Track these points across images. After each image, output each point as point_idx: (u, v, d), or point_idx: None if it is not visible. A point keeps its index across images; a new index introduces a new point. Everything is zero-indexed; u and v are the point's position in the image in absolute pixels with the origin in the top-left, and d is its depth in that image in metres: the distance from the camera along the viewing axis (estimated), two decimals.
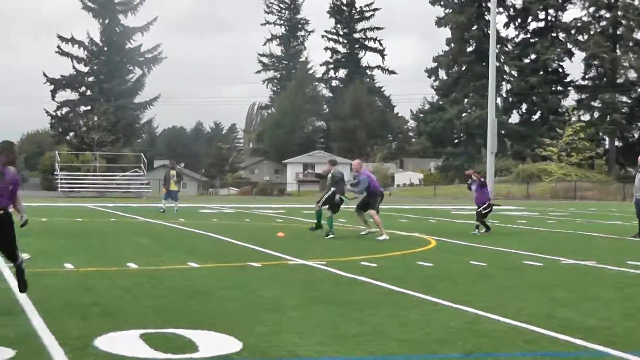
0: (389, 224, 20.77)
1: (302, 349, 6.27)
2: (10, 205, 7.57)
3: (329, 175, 17.96)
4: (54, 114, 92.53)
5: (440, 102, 79.32)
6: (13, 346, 6.22)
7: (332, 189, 17.70)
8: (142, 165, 64.42)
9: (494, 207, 20.64)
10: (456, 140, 79.70)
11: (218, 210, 36.24)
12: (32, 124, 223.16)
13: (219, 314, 8.10)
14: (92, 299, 8.98)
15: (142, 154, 66.49)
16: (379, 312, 8.20)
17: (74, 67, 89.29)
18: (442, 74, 79.12)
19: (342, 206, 18.21)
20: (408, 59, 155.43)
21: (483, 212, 19.71)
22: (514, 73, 75.68)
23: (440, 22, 77.04)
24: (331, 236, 17.66)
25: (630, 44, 69.92)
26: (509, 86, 75.79)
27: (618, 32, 69.43)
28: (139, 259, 13.44)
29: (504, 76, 74.88)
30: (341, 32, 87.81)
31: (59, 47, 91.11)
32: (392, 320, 7.70)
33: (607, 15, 70.13)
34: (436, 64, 78.79)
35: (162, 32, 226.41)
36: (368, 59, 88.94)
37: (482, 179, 20.77)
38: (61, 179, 59.15)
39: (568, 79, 74.93)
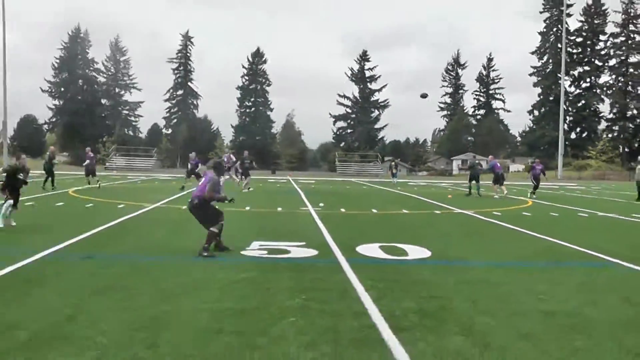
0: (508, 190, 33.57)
1: (471, 256, 12.29)
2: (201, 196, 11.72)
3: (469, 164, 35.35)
4: None
5: (534, 127, 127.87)
6: (317, 248, 12.72)
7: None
8: None
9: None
10: (541, 147, 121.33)
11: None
12: None
13: (418, 235, 14.93)
14: (355, 225, 16.31)
15: None
16: (502, 240, 14.75)
17: None
18: (535, 112, 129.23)
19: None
20: (519, 104, 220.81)
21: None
22: (573, 110, 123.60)
23: (535, 84, 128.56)
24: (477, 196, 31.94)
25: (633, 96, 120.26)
26: (570, 117, 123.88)
27: (629, 89, 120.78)
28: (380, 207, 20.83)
29: (568, 113, 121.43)
30: (482, 91, 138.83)
31: None
32: (511, 244, 14.17)
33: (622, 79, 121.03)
34: (532, 107, 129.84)
35: None
36: (496, 104, 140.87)
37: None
38: None
39: (601, 114, 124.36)
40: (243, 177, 35.09)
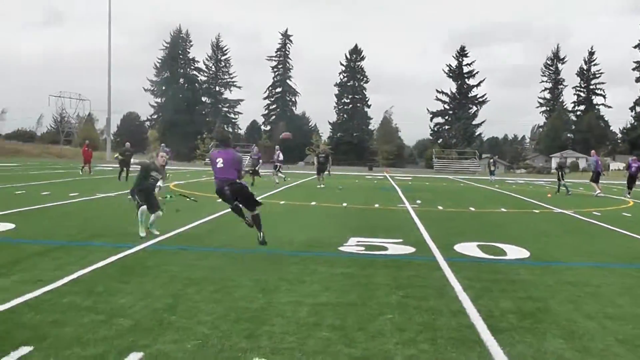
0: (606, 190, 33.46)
1: (570, 257, 12.01)
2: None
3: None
4: None
5: (636, 124, 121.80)
6: (414, 246, 12.64)
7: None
8: None
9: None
10: None
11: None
12: None
13: (516, 234, 14.64)
14: (452, 223, 16.13)
15: None
16: (602, 241, 14.30)
17: None
18: (638, 109, 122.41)
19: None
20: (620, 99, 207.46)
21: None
22: None
23: (638, 79, 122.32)
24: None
25: None
26: None
27: None
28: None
29: None
30: (583, 86, 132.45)
31: None
32: (611, 245, 13.71)
33: None
34: (634, 103, 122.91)
35: None
36: (597, 99, 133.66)
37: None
38: None
39: None
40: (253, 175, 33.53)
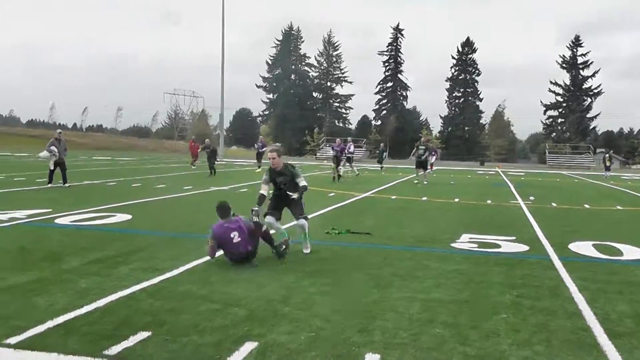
0: None
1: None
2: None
3: None
4: None
5: None
6: (527, 244, 12.22)
7: None
8: None
9: None
10: None
11: None
12: None
13: (634, 233, 14.03)
14: (567, 220, 15.74)
15: None
16: None
17: None
18: None
19: None
20: None
21: None
22: None
23: None
24: None
25: None
26: None
27: None
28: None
29: None
30: None
31: None
32: None
33: None
34: None
35: None
36: None
37: None
38: None
39: None
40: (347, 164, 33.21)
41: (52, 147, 22.80)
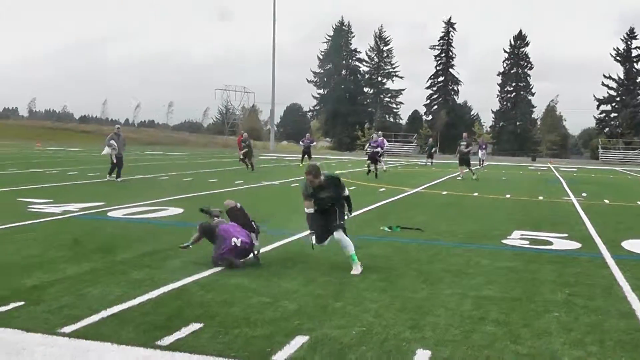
0: None
1: None
2: None
3: None
4: None
5: None
6: (580, 241, 12.00)
7: None
8: None
9: None
10: None
11: None
12: None
13: None
14: (620, 217, 15.44)
15: None
16: None
17: None
18: None
19: None
20: None
21: None
22: None
23: None
24: None
25: None
26: None
27: None
28: None
29: None
30: None
31: None
32: None
33: None
34: None
35: None
36: None
37: None
38: None
39: None
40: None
41: (112, 142, 23.17)
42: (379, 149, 30.94)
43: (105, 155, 23.70)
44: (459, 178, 30.11)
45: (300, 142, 40.83)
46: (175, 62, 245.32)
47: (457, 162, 31.06)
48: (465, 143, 30.09)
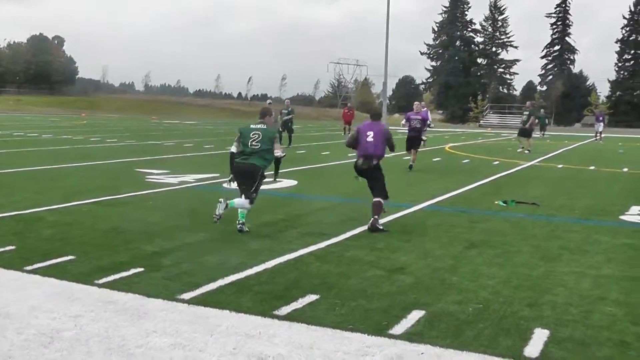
0: None
1: None
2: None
3: None
4: None
5: None
6: None
7: None
8: None
9: None
10: None
11: None
12: None
13: None
14: None
15: None
16: None
17: None
18: None
19: None
20: None
21: None
22: None
23: None
24: None
25: None
26: None
27: None
28: None
29: None
30: None
31: None
32: None
33: None
34: None
35: None
36: None
37: None
38: None
39: None
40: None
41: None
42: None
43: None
44: (518, 150, 28.30)
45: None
46: (290, 34, 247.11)
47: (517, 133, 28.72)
48: (527, 113, 28.03)
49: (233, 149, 9.33)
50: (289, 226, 9.34)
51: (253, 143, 9.12)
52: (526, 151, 27.29)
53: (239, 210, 8.95)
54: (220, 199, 8.88)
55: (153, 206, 11.01)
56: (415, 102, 20.26)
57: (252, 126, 9.33)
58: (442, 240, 8.71)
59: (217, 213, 8.83)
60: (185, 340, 4.72)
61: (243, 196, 9.07)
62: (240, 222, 8.95)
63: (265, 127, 9.34)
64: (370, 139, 9.71)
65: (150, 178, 14.71)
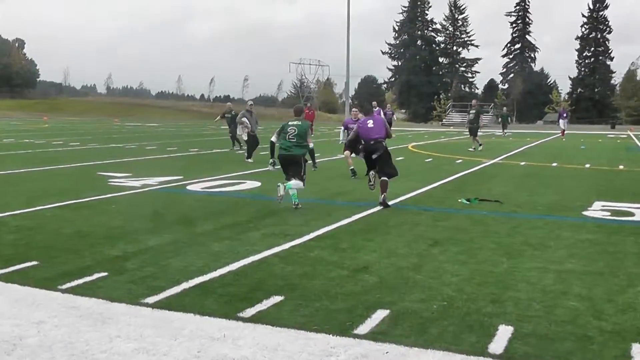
0: None
1: None
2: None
3: None
4: None
5: None
6: None
7: None
8: None
9: None
10: None
11: None
12: None
13: None
14: None
15: None
16: None
17: None
18: None
19: None
20: None
21: None
22: None
23: None
24: None
25: None
26: None
27: None
28: None
29: None
30: None
31: None
32: None
33: None
34: None
35: None
36: None
37: None
38: None
39: None
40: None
41: (244, 119, 22.07)
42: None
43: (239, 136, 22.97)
44: (469, 149, 28.00)
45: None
46: (251, 36, 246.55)
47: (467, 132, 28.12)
48: (474, 112, 28.08)
49: (273, 138, 12.07)
50: (252, 228, 9.33)
51: (290, 137, 11.47)
52: (473, 148, 27.41)
53: (291, 192, 10.97)
54: (278, 184, 11.02)
55: (116, 210, 10.93)
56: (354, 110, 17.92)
57: (290, 122, 11.63)
58: (405, 239, 8.75)
59: (279, 195, 10.91)
60: (149, 344, 4.68)
61: (292, 180, 11.24)
62: (295, 203, 10.98)
63: (300, 123, 11.64)
64: (371, 125, 11.88)
65: (113, 181, 14.61)
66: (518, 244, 8.56)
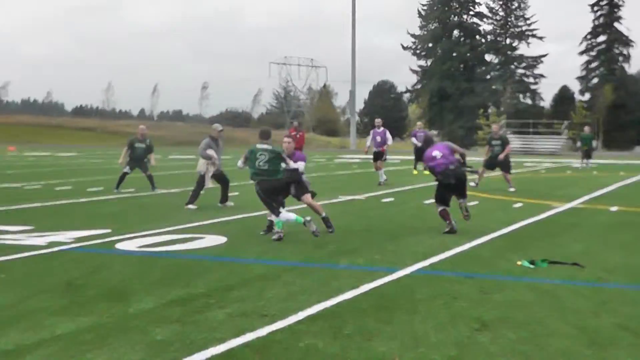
0: None
1: None
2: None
3: None
4: None
5: None
6: None
7: None
8: None
9: None
10: None
11: None
12: None
13: None
14: None
15: None
16: None
17: None
18: None
19: None
20: None
21: None
22: None
23: None
24: None
25: None
26: None
27: None
28: None
29: None
30: None
31: None
32: None
33: None
34: None
35: None
36: None
37: None
38: None
39: None
40: None
41: (209, 151, 20.96)
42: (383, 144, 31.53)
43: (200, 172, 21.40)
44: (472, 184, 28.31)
45: (413, 139, 39.30)
46: (214, 26, 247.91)
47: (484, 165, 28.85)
48: (499, 141, 28.36)
49: (240, 163, 14.64)
50: (213, 304, 9.28)
51: (261, 164, 13.92)
52: (474, 183, 27.67)
53: (276, 220, 13.56)
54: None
55: (6, 281, 10.80)
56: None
57: (258, 146, 13.92)
58: (439, 320, 8.68)
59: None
60: None
61: (281, 213, 13.91)
62: (278, 231, 13.66)
63: (271, 147, 14.00)
64: (439, 157, 15.10)
65: (5, 238, 14.48)
66: (609, 328, 8.49)
